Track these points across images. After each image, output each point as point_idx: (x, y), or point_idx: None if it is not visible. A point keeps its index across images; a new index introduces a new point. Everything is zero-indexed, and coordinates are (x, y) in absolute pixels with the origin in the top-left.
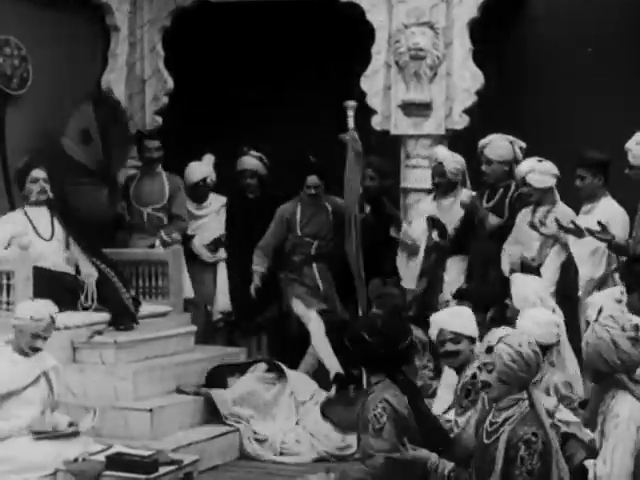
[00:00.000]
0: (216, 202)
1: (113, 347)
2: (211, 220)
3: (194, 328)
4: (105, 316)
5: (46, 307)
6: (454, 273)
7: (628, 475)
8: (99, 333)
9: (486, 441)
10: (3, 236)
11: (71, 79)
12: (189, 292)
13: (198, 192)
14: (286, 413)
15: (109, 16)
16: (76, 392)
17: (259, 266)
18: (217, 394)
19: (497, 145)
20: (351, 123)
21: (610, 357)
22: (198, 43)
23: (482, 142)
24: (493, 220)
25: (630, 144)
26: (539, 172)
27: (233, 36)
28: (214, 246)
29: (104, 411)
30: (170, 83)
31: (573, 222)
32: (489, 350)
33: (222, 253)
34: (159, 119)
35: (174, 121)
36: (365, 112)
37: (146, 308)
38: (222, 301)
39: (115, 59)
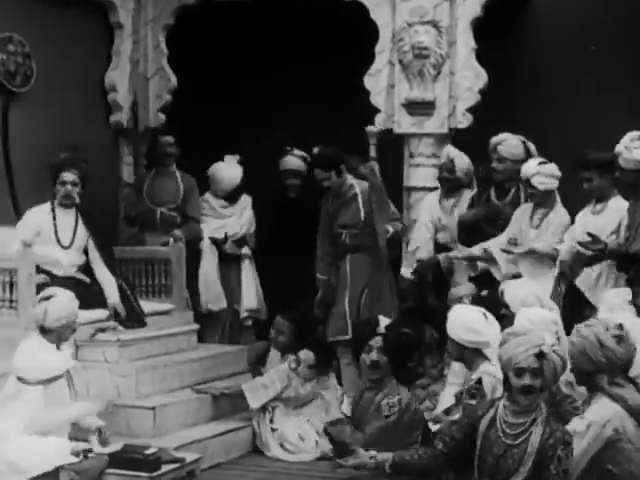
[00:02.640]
0: (242, 201)
1: (116, 345)
2: (233, 220)
3: (197, 326)
4: (107, 313)
5: (73, 299)
6: (462, 272)
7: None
8: (102, 331)
9: (509, 441)
10: (30, 229)
11: (75, 76)
12: (221, 302)
13: (232, 194)
14: (313, 413)
15: (113, 13)
16: (79, 390)
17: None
18: (248, 387)
19: (511, 144)
20: (372, 151)
21: (595, 355)
22: (202, 41)
23: (495, 139)
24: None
25: (620, 148)
26: (544, 175)
27: (236, 34)
28: (237, 245)
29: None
30: (174, 81)
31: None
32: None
33: (247, 250)
34: (163, 117)
35: (177, 119)
36: (368, 110)
37: (149, 306)
38: (248, 299)
39: (119, 57)
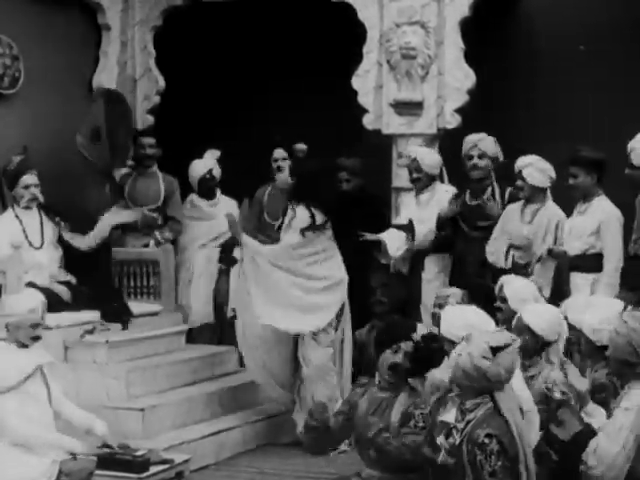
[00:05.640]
0: (226, 203)
1: (105, 346)
2: (221, 223)
3: (185, 327)
4: (96, 315)
5: (34, 295)
6: (434, 271)
7: (626, 458)
8: (90, 332)
9: (457, 443)
10: (3, 241)
11: (63, 78)
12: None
13: (206, 186)
14: None
15: (101, 15)
16: (68, 391)
17: None
18: None
19: (490, 141)
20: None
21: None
22: (189, 42)
23: (474, 137)
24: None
25: (634, 143)
26: (537, 169)
27: (224, 35)
28: (224, 253)
29: (96, 410)
30: (161, 82)
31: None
32: None
33: (236, 253)
34: (151, 118)
35: (165, 120)
36: (357, 111)
37: (138, 307)
38: (234, 298)
39: (106, 58)
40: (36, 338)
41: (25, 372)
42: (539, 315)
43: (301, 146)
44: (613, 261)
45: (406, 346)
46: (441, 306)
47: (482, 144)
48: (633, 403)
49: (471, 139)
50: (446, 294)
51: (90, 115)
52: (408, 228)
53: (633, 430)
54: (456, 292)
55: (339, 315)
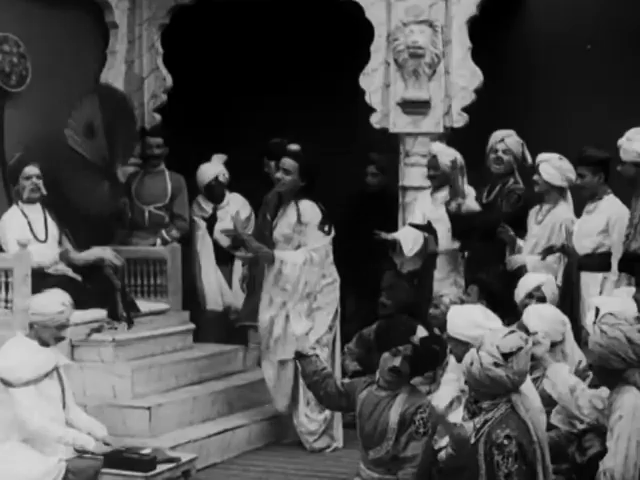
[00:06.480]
0: (234, 202)
1: (111, 345)
2: (226, 224)
3: (192, 326)
4: (103, 313)
5: (63, 296)
6: (446, 270)
7: (634, 466)
8: (97, 331)
9: (472, 441)
10: (11, 238)
11: (70, 76)
12: (217, 304)
13: (213, 191)
14: None
15: (108, 13)
16: (75, 390)
17: None
18: None
19: (516, 139)
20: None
21: (626, 353)
22: (197, 41)
23: (503, 132)
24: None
25: (621, 140)
26: (552, 165)
27: (232, 34)
28: (234, 244)
29: (102, 409)
30: (169, 81)
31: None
32: None
33: (241, 253)
34: (158, 117)
35: (173, 119)
36: (364, 109)
37: (145, 306)
38: (237, 300)
39: (114, 56)
40: (60, 339)
41: (44, 369)
42: (540, 317)
43: (294, 147)
44: None
45: (405, 350)
46: (436, 306)
47: (509, 140)
48: (624, 409)
49: (497, 135)
50: (440, 294)
51: (82, 110)
52: (427, 229)
53: (632, 437)
54: (450, 291)
55: (335, 315)
